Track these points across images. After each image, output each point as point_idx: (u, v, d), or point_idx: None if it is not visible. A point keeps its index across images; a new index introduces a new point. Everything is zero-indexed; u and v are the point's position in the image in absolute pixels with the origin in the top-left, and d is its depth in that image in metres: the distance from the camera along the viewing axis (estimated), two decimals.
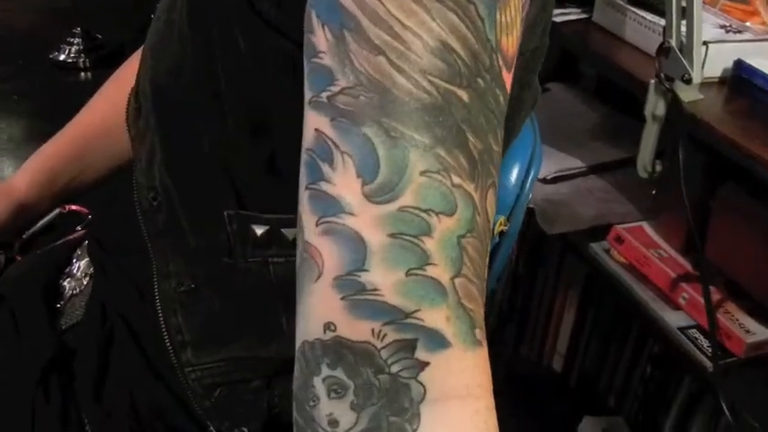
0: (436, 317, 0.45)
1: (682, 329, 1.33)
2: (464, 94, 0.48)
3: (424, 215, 0.46)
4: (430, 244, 0.46)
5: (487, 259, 0.50)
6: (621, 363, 1.64)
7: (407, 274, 0.46)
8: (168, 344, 0.75)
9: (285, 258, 0.71)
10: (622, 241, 1.46)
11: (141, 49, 0.78)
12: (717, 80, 1.27)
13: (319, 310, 0.47)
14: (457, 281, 0.46)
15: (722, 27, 1.33)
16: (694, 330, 1.33)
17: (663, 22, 1.31)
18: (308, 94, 0.50)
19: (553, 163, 1.62)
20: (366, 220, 0.47)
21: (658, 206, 1.48)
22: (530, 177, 0.81)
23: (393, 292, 0.45)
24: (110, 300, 0.82)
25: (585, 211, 1.53)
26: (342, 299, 0.46)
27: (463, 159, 0.48)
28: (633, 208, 1.55)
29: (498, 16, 0.49)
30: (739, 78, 1.23)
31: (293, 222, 0.51)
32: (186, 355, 0.75)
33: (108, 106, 1.05)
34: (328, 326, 0.46)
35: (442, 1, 0.47)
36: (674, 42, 1.12)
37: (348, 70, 0.48)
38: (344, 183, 0.47)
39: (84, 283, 0.89)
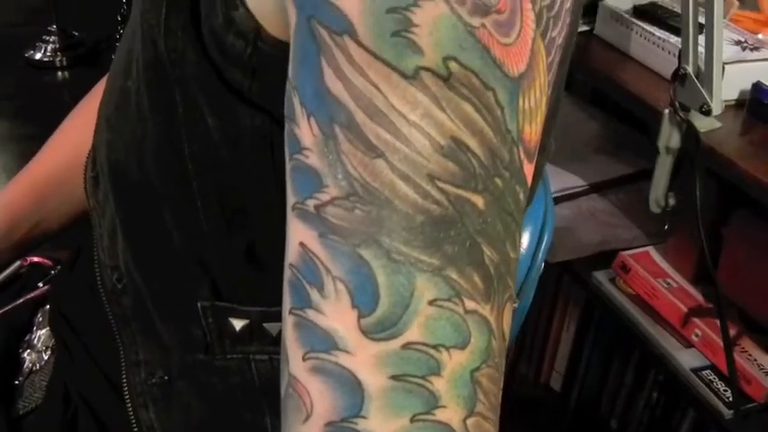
0: None
1: (695, 371, 1.25)
2: (479, 200, 0.40)
3: (432, 351, 0.39)
4: (439, 384, 0.39)
5: (503, 380, 0.43)
6: (624, 386, 1.56)
7: (413, 420, 0.38)
8: None
9: (269, 356, 0.62)
10: (628, 270, 1.38)
11: (105, 79, 0.68)
12: (734, 102, 1.18)
13: None
14: (470, 421, 0.39)
15: (738, 43, 1.24)
16: (709, 372, 1.25)
17: (672, 38, 1.23)
18: (290, 198, 0.42)
19: (553, 181, 1.53)
20: (363, 360, 0.39)
21: (667, 231, 1.40)
22: (542, 246, 0.72)
23: None
24: (74, 382, 0.74)
25: (589, 237, 1.44)
26: None
27: (477, 278, 0.40)
28: (639, 232, 1.46)
29: (521, 102, 0.41)
30: (758, 102, 1.15)
31: (277, 316, 0.43)
32: None
33: (71, 146, 0.96)
34: None
35: (454, 88, 0.39)
36: (690, 68, 1.03)
37: (340, 176, 0.39)
38: (337, 314, 0.39)
39: (45, 357, 0.81)
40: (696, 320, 1.29)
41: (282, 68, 0.44)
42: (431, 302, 0.39)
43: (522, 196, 0.43)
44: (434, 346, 0.39)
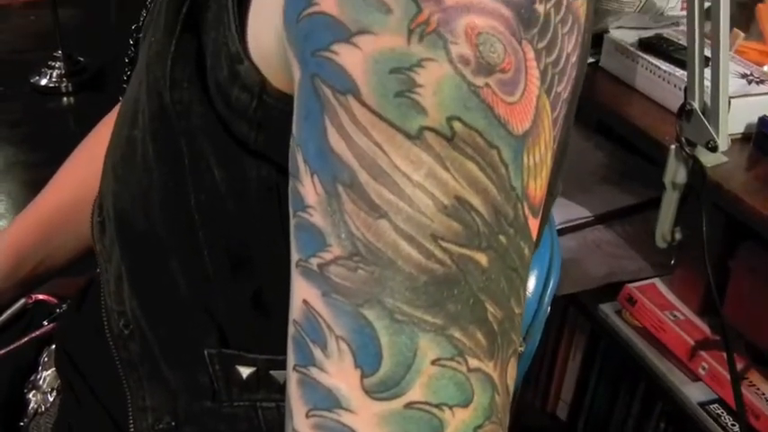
0: None
1: (702, 405, 1.24)
2: (483, 258, 0.40)
3: (435, 411, 0.39)
4: None
5: None
6: (631, 416, 1.55)
7: None
8: None
9: (276, 404, 0.62)
10: (635, 302, 1.38)
11: (113, 113, 0.68)
12: (740, 136, 1.18)
13: None
14: None
15: (743, 76, 1.24)
16: (716, 406, 1.24)
17: (677, 71, 1.23)
18: (294, 255, 0.42)
19: (558, 213, 1.53)
20: (366, 419, 0.39)
21: (675, 261, 1.39)
22: (549, 289, 0.72)
23: None
24: (80, 425, 0.74)
25: (595, 270, 1.44)
26: None
27: (481, 336, 0.40)
28: (645, 263, 1.46)
29: (526, 159, 0.41)
30: (764, 136, 1.15)
31: (284, 364, 0.43)
32: None
33: (78, 182, 0.96)
34: None
35: (458, 147, 0.39)
36: (696, 104, 1.03)
37: (343, 235, 0.40)
38: (340, 373, 0.40)
39: (51, 399, 0.80)
40: (703, 354, 1.28)
41: (288, 121, 0.44)
42: (434, 362, 0.39)
43: (527, 251, 0.43)
44: (437, 405, 0.39)
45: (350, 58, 0.40)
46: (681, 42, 1.29)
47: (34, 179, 2.85)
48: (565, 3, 0.43)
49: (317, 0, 0.41)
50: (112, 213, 0.65)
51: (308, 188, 0.41)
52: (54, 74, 3.45)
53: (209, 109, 0.52)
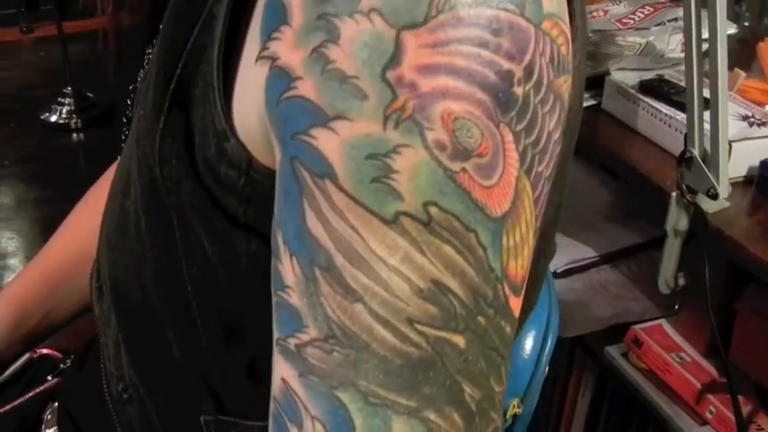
0: None
1: None
2: (460, 340, 0.40)
3: None
4: None
5: None
6: None
7: None
8: None
9: None
10: (641, 344, 1.37)
11: (113, 169, 0.69)
12: (742, 179, 1.18)
13: None
14: None
15: (745, 118, 1.24)
16: None
17: (678, 115, 1.23)
18: (275, 333, 0.43)
19: (564, 253, 1.53)
20: None
21: (679, 305, 1.39)
22: (546, 349, 0.72)
23: None
24: None
25: (601, 311, 1.43)
26: None
27: (458, 417, 0.40)
28: (651, 304, 1.45)
29: (505, 240, 0.42)
30: (765, 180, 1.14)
31: None
32: None
33: (81, 236, 0.97)
34: None
35: (435, 231, 0.40)
36: (696, 151, 1.03)
37: (319, 318, 0.40)
38: None
39: None
40: (710, 397, 1.27)
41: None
42: None
43: (508, 330, 0.43)
44: None
45: (327, 142, 0.40)
46: (682, 84, 1.29)
47: (45, 216, 2.87)
48: (545, 82, 0.43)
49: (295, 84, 0.41)
50: (108, 282, 0.65)
51: (286, 269, 0.42)
52: (64, 110, 3.49)
53: (197, 184, 0.53)
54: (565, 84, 0.45)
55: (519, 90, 0.41)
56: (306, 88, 0.41)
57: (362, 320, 0.40)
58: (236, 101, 0.49)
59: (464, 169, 0.40)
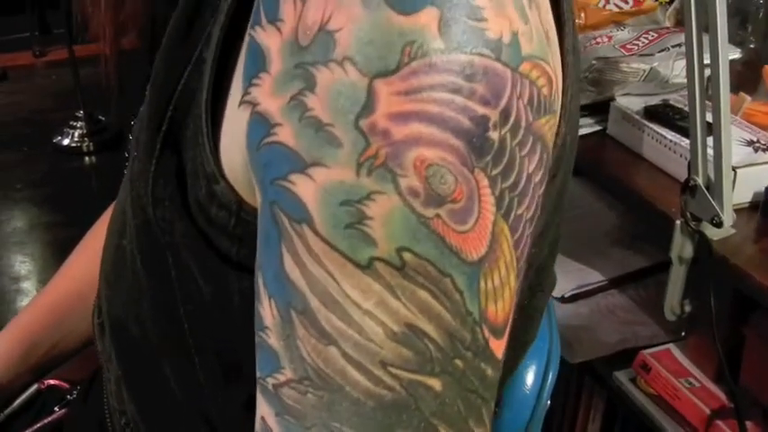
0: None
1: None
2: (436, 383, 0.41)
3: None
4: None
5: None
6: None
7: None
8: None
9: None
10: (649, 369, 1.36)
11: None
12: (747, 205, 1.17)
13: None
14: None
15: (750, 143, 1.23)
16: None
17: (683, 141, 1.23)
18: (256, 371, 0.44)
19: (571, 278, 1.53)
20: None
21: (686, 330, 1.38)
22: (548, 383, 0.72)
23: None
24: None
25: (608, 337, 1.43)
26: None
27: None
28: (659, 329, 1.45)
29: (483, 284, 0.42)
30: None
31: None
32: None
33: (87, 268, 0.97)
34: None
35: (409, 276, 0.40)
36: (700, 179, 1.03)
37: (295, 360, 0.41)
38: None
39: None
40: (719, 423, 1.27)
41: None
42: None
43: (490, 372, 0.43)
44: None
45: (304, 188, 0.41)
46: (687, 109, 1.29)
47: (57, 239, 2.88)
48: (523, 125, 0.43)
49: (275, 130, 0.42)
50: (107, 319, 0.66)
51: (266, 310, 0.43)
52: (76, 134, 3.51)
53: (190, 225, 0.53)
54: (547, 124, 0.45)
55: (495, 134, 0.41)
56: (284, 135, 0.41)
57: (336, 363, 0.40)
58: (224, 144, 0.50)
59: (438, 215, 0.40)
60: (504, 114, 0.41)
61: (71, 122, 3.52)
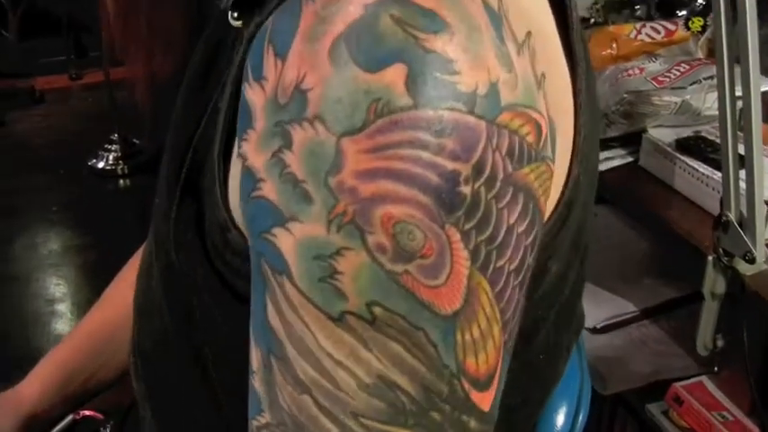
0: None
1: None
2: None
3: None
4: None
5: None
6: None
7: None
8: None
9: None
10: (682, 402, 1.36)
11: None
12: None
13: None
14: None
15: None
16: None
17: (716, 174, 1.23)
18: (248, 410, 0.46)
19: (603, 308, 1.52)
20: None
21: (719, 364, 1.37)
22: (578, 423, 0.72)
23: None
24: None
25: (641, 368, 1.42)
26: None
27: None
28: (691, 361, 1.44)
29: (459, 337, 0.42)
30: None
31: None
32: None
33: (127, 297, 0.98)
34: None
35: (381, 330, 0.41)
36: (732, 215, 1.03)
37: (274, 404, 0.43)
38: None
39: None
40: None
41: None
42: None
43: (474, 424, 0.44)
44: None
45: (284, 242, 0.42)
46: (719, 141, 1.29)
47: (92, 261, 2.91)
48: (500, 177, 0.42)
49: (260, 185, 0.43)
50: (140, 357, 0.67)
51: (254, 355, 0.45)
52: (110, 156, 3.54)
53: (210, 268, 0.55)
54: (532, 173, 0.45)
55: (466, 189, 0.41)
56: (268, 190, 0.43)
57: (309, 411, 0.41)
58: (231, 193, 0.51)
59: (407, 271, 0.41)
60: (478, 168, 0.41)
61: (106, 145, 3.56)
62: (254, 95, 0.44)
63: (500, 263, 0.43)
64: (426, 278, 0.41)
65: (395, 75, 0.40)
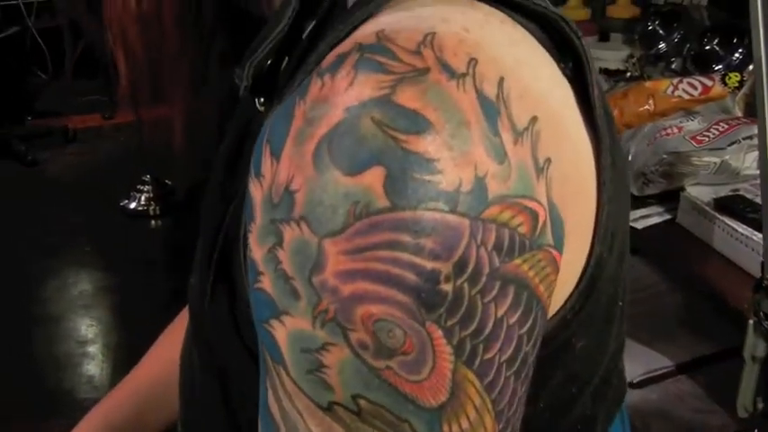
0: None
1: None
2: None
3: None
4: None
5: None
6: None
7: None
8: None
9: None
10: None
11: None
12: None
13: None
14: None
15: None
16: None
17: (755, 235, 1.23)
18: None
19: (639, 362, 1.52)
20: None
21: (759, 425, 1.37)
22: None
23: None
24: None
25: (678, 425, 1.42)
26: None
27: None
28: (729, 419, 1.43)
29: (446, 428, 0.43)
30: None
31: None
32: None
33: (174, 353, 1.00)
34: None
35: (368, 420, 0.42)
36: None
37: None
38: None
39: None
40: None
41: None
42: None
43: None
44: None
45: (279, 333, 0.44)
46: (758, 200, 1.29)
47: (123, 302, 2.94)
48: (486, 272, 0.42)
49: (259, 277, 0.45)
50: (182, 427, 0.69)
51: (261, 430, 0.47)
52: (142, 197, 3.58)
53: (242, 347, 0.56)
54: (525, 263, 0.44)
55: (447, 287, 0.41)
56: (265, 282, 0.44)
57: None
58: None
59: (388, 366, 0.42)
60: (460, 265, 0.41)
61: (138, 186, 3.60)
62: (254, 191, 0.46)
63: (488, 355, 0.44)
64: (408, 373, 0.42)
65: (373, 177, 0.41)
